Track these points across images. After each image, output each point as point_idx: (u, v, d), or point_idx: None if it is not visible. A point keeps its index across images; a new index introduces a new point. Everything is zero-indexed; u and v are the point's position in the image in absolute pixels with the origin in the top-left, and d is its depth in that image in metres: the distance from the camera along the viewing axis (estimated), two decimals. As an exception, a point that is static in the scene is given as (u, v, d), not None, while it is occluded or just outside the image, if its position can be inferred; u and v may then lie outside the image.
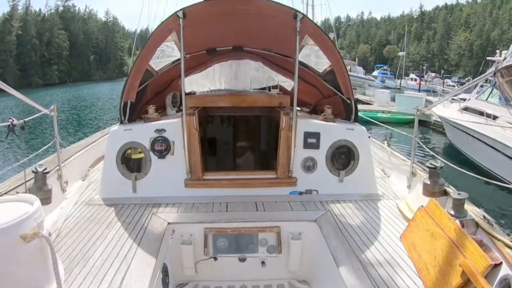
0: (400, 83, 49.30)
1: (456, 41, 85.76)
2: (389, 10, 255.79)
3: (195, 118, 3.98)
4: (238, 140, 6.19)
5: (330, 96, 4.76)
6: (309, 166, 4.14)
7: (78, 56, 75.59)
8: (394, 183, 4.57)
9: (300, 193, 4.09)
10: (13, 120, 3.23)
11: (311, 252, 3.33)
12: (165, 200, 3.82)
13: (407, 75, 54.70)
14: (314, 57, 4.63)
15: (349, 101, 4.35)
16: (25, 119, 3.43)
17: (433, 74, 52.94)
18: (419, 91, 31.73)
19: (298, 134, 4.05)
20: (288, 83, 5.88)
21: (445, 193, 3.48)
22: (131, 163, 4.07)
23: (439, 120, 16.09)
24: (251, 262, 3.42)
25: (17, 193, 3.19)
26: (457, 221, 2.80)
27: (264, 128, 5.93)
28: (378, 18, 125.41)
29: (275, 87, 5.94)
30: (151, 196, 3.90)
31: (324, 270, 3.05)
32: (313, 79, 4.88)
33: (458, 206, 2.85)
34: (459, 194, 2.91)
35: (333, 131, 4.16)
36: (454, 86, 40.34)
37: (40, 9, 74.82)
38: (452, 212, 2.84)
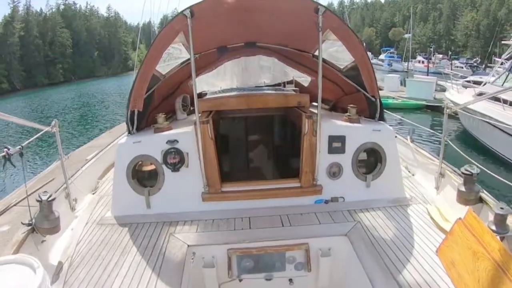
0: (408, 66, 48.48)
1: (462, 21, 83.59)
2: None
3: (209, 126, 3.68)
4: (250, 134, 5.86)
5: (351, 93, 4.44)
6: (335, 172, 3.86)
7: (82, 53, 75.32)
8: (420, 183, 4.31)
9: (326, 202, 3.82)
10: (8, 149, 2.81)
11: (343, 270, 3.12)
12: (182, 217, 3.57)
13: (414, 57, 53.72)
14: (334, 52, 4.28)
15: (373, 99, 4.00)
16: (23, 144, 2.96)
17: (441, 56, 51.89)
18: (427, 74, 31.16)
19: (322, 139, 3.73)
20: (304, 79, 5.56)
21: (481, 199, 3.25)
22: (142, 175, 3.82)
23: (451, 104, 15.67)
24: (278, 281, 3.22)
25: (22, 223, 2.97)
26: (498, 237, 2.58)
27: (277, 123, 5.60)
28: (383, 0, 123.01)
29: (290, 82, 5.63)
30: (167, 213, 3.66)
31: None
32: (333, 75, 4.52)
33: (500, 221, 2.61)
34: (501, 208, 2.65)
35: (359, 134, 3.85)
36: (462, 67, 39.55)
37: (41, 9, 74.58)
38: (494, 228, 2.60)
